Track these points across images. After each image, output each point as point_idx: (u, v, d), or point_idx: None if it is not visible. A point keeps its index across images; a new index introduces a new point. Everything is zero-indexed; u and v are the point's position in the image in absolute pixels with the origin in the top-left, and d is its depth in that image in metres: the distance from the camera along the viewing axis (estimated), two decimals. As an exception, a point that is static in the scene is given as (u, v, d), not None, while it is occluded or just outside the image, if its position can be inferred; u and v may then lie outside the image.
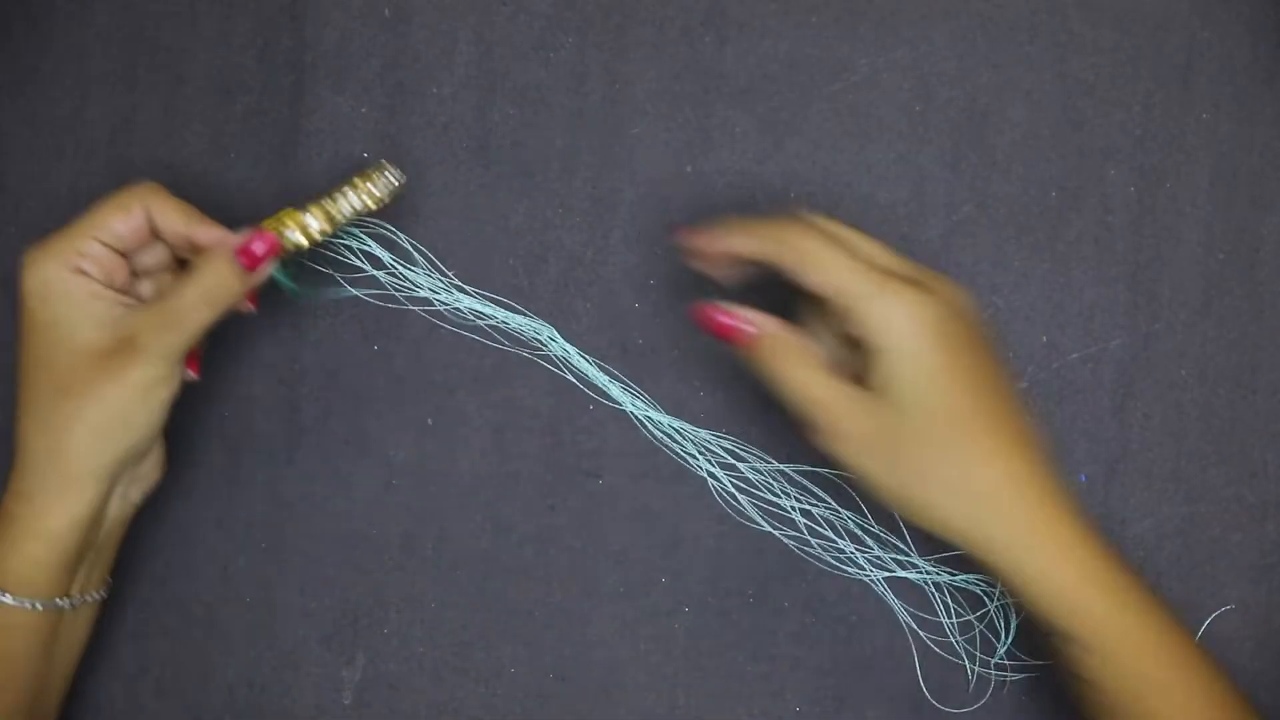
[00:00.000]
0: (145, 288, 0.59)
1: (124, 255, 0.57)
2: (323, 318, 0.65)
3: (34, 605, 0.56)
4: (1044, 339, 0.64)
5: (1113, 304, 0.64)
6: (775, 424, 0.64)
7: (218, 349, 0.65)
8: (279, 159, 0.65)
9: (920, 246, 0.64)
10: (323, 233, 0.58)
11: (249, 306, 0.58)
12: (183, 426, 0.65)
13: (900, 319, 0.51)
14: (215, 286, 0.56)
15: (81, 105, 0.65)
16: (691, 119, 0.65)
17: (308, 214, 0.58)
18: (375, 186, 0.59)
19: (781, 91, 0.65)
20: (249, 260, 0.56)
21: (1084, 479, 0.64)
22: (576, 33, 0.65)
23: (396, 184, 0.59)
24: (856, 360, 0.54)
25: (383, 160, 0.60)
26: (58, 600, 0.57)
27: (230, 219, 0.65)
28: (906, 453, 0.52)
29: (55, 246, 0.56)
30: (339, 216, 0.58)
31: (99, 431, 0.55)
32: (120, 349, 0.55)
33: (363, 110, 0.65)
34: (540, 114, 0.65)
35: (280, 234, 0.57)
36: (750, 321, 0.55)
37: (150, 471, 0.60)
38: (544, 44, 0.65)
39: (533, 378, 0.65)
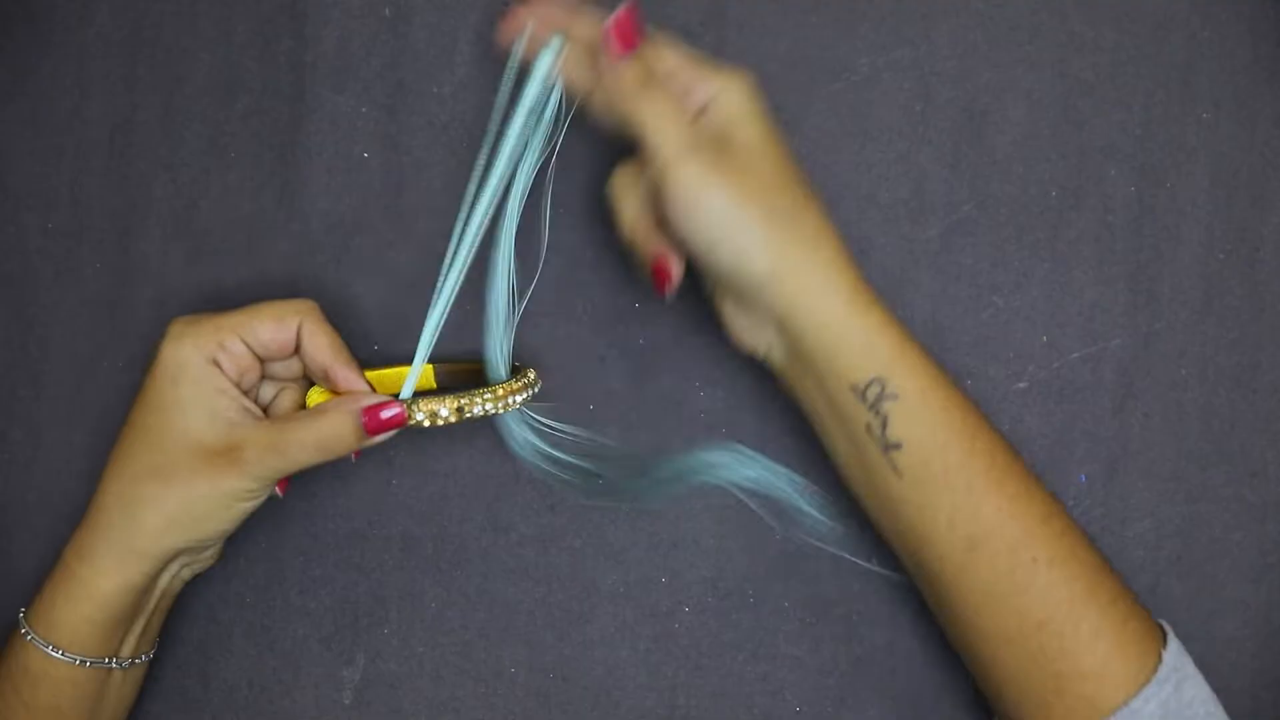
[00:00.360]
0: (267, 391, 0.60)
1: (261, 360, 0.58)
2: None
3: (82, 662, 0.57)
4: (1044, 339, 0.64)
5: (1113, 303, 0.64)
6: (774, 424, 0.64)
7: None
8: (279, 159, 0.65)
9: (920, 246, 0.64)
10: (446, 422, 0.57)
11: (353, 457, 0.59)
12: (183, 426, 0.65)
13: (740, 80, 0.55)
14: (331, 437, 0.56)
15: (81, 105, 0.66)
16: (692, 119, 0.65)
17: (443, 405, 0.57)
18: (515, 398, 0.59)
19: (781, 91, 0.65)
20: (372, 426, 0.56)
21: (1084, 479, 0.64)
22: (577, 32, 0.65)
23: (534, 394, 0.59)
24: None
25: (533, 373, 0.60)
26: (106, 660, 0.58)
27: (229, 219, 0.65)
28: (753, 184, 0.54)
29: (202, 333, 0.56)
30: (468, 415, 0.58)
31: (174, 521, 0.56)
32: (224, 454, 0.56)
33: (363, 110, 0.65)
34: (540, 114, 0.65)
35: (410, 412, 0.57)
36: (637, 36, 0.55)
37: (209, 558, 0.61)
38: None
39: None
